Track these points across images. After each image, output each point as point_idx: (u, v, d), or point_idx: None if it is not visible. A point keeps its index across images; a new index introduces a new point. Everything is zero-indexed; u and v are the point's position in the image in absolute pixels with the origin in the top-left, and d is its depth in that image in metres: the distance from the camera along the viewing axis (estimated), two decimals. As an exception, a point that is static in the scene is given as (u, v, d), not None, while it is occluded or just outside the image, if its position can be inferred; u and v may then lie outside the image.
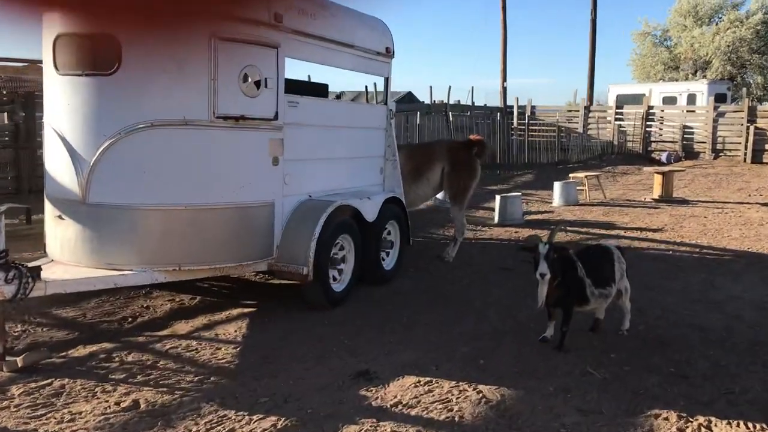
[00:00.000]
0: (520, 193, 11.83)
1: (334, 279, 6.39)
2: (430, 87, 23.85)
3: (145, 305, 6.36)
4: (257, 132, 5.65)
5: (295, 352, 5.19)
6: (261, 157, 5.71)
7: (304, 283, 5.95)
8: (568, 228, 10.81)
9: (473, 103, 25.50)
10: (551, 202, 13.71)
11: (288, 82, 7.24)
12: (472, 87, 26.67)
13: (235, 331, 5.67)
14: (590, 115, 25.02)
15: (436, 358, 5.15)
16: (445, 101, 23.50)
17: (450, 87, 22.92)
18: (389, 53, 7.62)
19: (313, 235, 5.89)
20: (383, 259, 7.33)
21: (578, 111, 25.12)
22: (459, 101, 26.02)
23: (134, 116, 5.16)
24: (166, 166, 5.26)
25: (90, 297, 6.40)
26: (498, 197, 11.42)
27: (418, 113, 18.08)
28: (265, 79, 5.61)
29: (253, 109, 5.56)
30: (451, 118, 18.98)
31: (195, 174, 5.34)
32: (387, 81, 7.79)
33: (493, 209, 11.95)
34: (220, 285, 7.02)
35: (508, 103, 25.92)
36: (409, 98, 26.71)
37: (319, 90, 7.96)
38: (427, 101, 23.92)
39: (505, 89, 27.37)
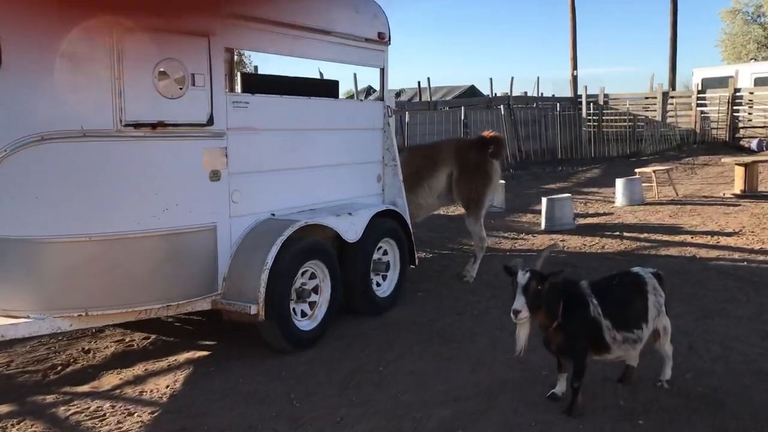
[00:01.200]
0: (569, 195, 10.34)
1: (303, 315, 5.25)
2: (490, 79, 22.26)
3: (86, 348, 5.41)
4: (184, 141, 4.58)
5: (222, 421, 4.07)
6: (192, 171, 4.64)
7: (256, 323, 4.84)
8: (624, 234, 9.29)
9: (541, 94, 23.87)
10: (614, 202, 12.12)
11: (270, 79, 6.22)
12: (538, 77, 24.87)
13: (167, 386, 4.61)
14: (669, 102, 22.89)
15: (400, 428, 3.93)
16: (508, 93, 22.04)
17: (512, 78, 21.14)
18: (383, 39, 6.41)
19: (264, 265, 4.77)
20: (378, 285, 6.15)
21: (656, 98, 23.01)
22: (526, 93, 24.45)
23: (20, 129, 4.17)
24: (64, 189, 4.25)
25: (29, 338, 5.50)
26: (544, 200, 10.00)
27: (462, 108, 16.66)
28: (192, 75, 4.53)
29: (176, 112, 4.49)
30: (503, 111, 17.38)
31: (100, 197, 4.31)
32: (383, 73, 6.58)
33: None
34: (186, 319, 6.00)
35: (580, 93, 24.09)
36: (471, 92, 25.24)
37: (323, 88, 6.84)
38: (493, 95, 22.52)
39: (575, 78, 25.55)
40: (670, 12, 28.44)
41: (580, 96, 23.23)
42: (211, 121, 4.68)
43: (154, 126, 4.40)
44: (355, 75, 17.80)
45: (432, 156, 7.23)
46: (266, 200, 5.24)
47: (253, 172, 5.10)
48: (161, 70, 4.38)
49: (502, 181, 11.79)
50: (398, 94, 25.67)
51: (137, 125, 4.33)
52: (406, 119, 15.09)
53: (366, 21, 6.21)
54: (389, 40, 6.51)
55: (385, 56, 6.53)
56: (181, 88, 4.48)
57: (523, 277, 3.90)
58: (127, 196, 4.37)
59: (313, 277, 5.33)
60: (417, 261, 6.68)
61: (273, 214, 5.29)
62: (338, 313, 5.65)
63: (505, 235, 9.67)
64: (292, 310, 5.09)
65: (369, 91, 28.81)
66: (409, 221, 6.56)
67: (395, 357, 5.06)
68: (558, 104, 18.58)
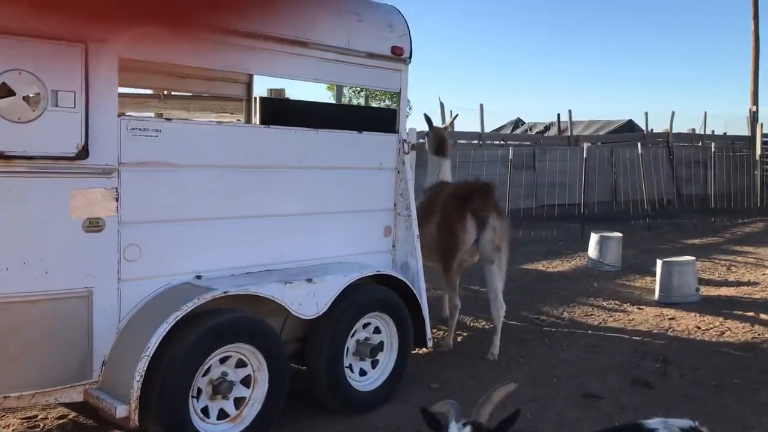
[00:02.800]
0: (693, 258, 8.14)
1: (223, 416, 3.91)
2: (645, 113, 19.80)
3: (-14, 424, 4.43)
4: (40, 179, 3.44)
5: None
6: (52, 218, 3.48)
7: (129, 427, 3.58)
8: (761, 316, 7.06)
9: (711, 131, 20.98)
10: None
11: (297, 106, 5.09)
12: (705, 113, 21.71)
13: (3, 503, 3.48)
14: None
15: None
16: (668, 129, 19.50)
17: (673, 113, 18.66)
18: (400, 56, 5.01)
19: (143, 351, 3.52)
20: (363, 374, 4.69)
21: None
22: (693, 130, 21.66)
23: None
24: None
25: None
26: (659, 263, 7.94)
27: (582, 146, 14.49)
28: (54, 92, 3.40)
29: (26, 141, 3.37)
30: (639, 149, 14.97)
31: None
32: (399, 97, 5.18)
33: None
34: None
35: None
36: (629, 127, 22.76)
37: (372, 120, 5.60)
38: (655, 130, 20.04)
39: (754, 114, 22.20)
40: None
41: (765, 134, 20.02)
42: (84, 153, 3.51)
43: (-10, 157, 3.31)
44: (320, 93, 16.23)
45: (431, 201, 5.81)
46: (188, 258, 4.01)
47: (166, 221, 3.89)
48: (2, 83, 3.29)
49: (619, 234, 9.75)
50: (547, 127, 23.72)
51: (-36, 156, 3.27)
52: (510, 155, 13.17)
53: (373, 32, 4.86)
54: (410, 56, 5.11)
55: (403, 76, 5.12)
56: (34, 110, 3.36)
57: None
58: (-54, 249, 3.30)
59: (242, 364, 3.99)
60: (431, 342, 5.12)
61: (199, 276, 4.04)
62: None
63: (604, 304, 7.74)
64: (197, 412, 3.78)
65: (517, 123, 27.08)
66: (421, 288, 5.06)
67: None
68: (713, 144, 15.76)
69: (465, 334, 6.55)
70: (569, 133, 18.94)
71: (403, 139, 5.18)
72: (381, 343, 4.77)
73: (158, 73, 5.61)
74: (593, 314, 7.31)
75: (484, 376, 5.36)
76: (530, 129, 25.11)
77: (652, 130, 20.10)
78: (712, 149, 14.99)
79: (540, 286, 8.56)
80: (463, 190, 5.90)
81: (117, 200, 3.66)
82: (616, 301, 7.84)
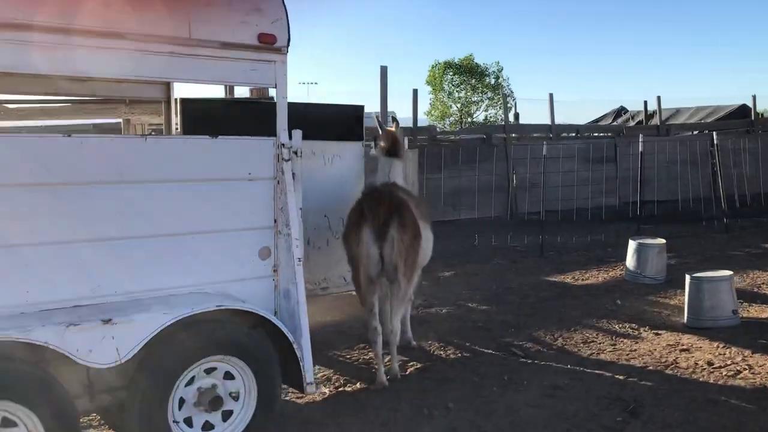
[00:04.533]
0: (730, 273, 6.65)
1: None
2: (753, 96, 17.45)
3: None
4: None
5: None
6: None
7: None
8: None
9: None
10: None
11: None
12: (832, 92, 19.01)
13: None
14: None
15: None
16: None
17: (787, 93, 16.25)
18: (271, 44, 4.17)
19: None
20: (210, 428, 3.90)
21: None
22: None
23: None
24: None
25: None
26: (688, 279, 6.56)
27: (639, 137, 12.76)
28: None
29: None
30: (711, 141, 12.97)
31: None
32: (278, 92, 4.32)
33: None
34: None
35: None
36: (742, 112, 20.36)
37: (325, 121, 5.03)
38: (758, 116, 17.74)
39: None
40: None
41: None
42: None
43: None
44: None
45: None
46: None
47: None
48: None
49: (661, 241, 8.28)
50: (651, 116, 21.69)
51: None
52: (542, 150, 11.63)
53: (228, 18, 4.05)
54: (286, 45, 4.25)
55: (279, 68, 4.26)
56: None
57: None
58: None
59: (9, 424, 3.32)
60: (311, 387, 4.20)
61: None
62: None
63: (615, 327, 6.48)
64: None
65: (620, 112, 25.00)
66: (300, 322, 4.19)
67: None
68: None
69: (419, 365, 5.58)
70: (658, 122, 17.07)
71: (282, 143, 4.32)
72: (238, 393, 3.97)
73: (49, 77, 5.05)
74: (593, 341, 6.10)
75: (394, 426, 4.41)
76: (632, 118, 23.14)
77: (762, 114, 17.78)
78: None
79: (552, 303, 7.37)
80: (364, 198, 5.12)
81: None
82: (633, 324, 6.55)
